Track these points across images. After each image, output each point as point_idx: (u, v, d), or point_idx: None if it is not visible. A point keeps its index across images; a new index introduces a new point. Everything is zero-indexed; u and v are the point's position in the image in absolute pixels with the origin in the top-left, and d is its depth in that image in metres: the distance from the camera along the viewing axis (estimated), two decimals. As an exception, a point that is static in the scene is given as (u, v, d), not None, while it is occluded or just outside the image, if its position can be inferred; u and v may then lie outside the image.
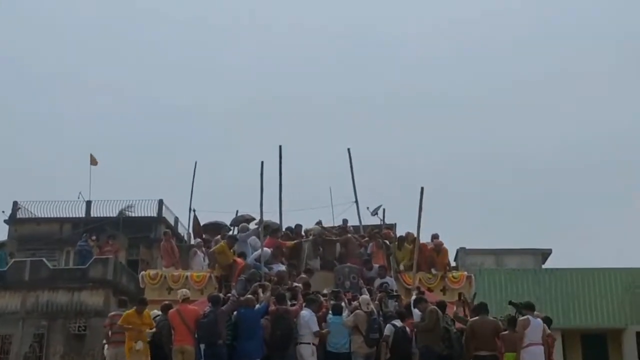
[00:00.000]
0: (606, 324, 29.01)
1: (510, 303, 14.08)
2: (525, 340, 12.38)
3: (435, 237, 17.13)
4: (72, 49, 63.77)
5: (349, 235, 17.37)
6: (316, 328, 12.67)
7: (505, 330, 12.65)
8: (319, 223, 18.23)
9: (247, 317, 12.62)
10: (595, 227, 52.61)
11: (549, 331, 13.30)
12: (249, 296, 13.06)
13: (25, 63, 60.44)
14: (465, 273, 17.40)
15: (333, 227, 18.54)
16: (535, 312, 13.37)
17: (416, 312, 13.06)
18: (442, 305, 13.18)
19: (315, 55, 65.48)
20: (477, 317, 12.86)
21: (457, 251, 30.87)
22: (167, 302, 13.25)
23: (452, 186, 54.21)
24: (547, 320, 13.52)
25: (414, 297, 13.78)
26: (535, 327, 12.50)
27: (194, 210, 20.26)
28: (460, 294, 15.74)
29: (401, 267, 16.79)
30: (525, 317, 12.64)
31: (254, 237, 16.37)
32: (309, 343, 12.62)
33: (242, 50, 64.34)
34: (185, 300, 12.88)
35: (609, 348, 29.43)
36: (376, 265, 16.10)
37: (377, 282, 15.58)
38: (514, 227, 51.72)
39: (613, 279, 29.45)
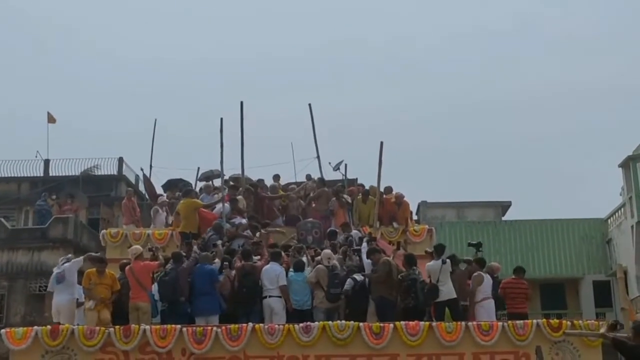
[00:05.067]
0: (564, 273, 29.66)
1: (469, 244, 14.40)
2: (479, 295, 12.68)
3: (388, 190, 17.11)
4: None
5: (325, 189, 17.27)
6: (284, 282, 12.61)
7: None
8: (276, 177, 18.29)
9: (199, 273, 12.54)
10: (554, 179, 53.51)
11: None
12: (207, 253, 13.04)
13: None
14: (427, 226, 17.46)
15: (307, 182, 18.55)
16: (494, 263, 13.74)
17: (367, 262, 13.09)
18: (410, 258, 13.16)
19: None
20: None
21: (419, 205, 31.13)
22: (124, 261, 13.14)
23: (413, 141, 54.55)
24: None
25: (364, 244, 13.74)
26: (488, 282, 12.80)
27: (142, 170, 20.12)
28: (398, 243, 15.70)
29: (370, 220, 16.67)
30: (477, 273, 12.87)
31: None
32: (279, 297, 12.56)
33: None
34: (139, 257, 12.72)
35: (567, 296, 30.14)
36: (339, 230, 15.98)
37: (342, 236, 15.56)
38: (474, 180, 52.41)
39: (570, 229, 30.02)
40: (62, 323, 11.90)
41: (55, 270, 12.75)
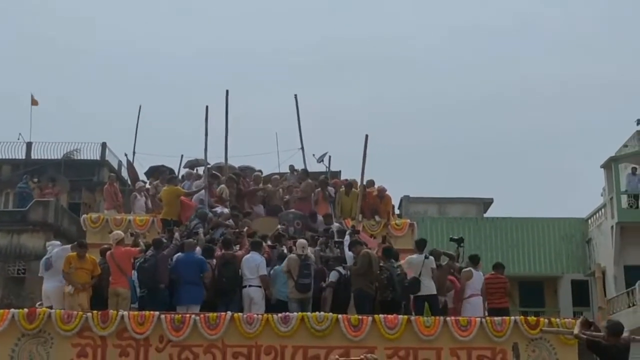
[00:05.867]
0: (543, 271, 29.80)
1: (451, 239, 14.47)
2: (467, 291, 12.69)
3: (370, 183, 17.12)
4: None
5: (309, 181, 17.27)
6: (264, 272, 12.53)
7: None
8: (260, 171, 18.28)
9: (184, 262, 12.46)
10: (537, 177, 53.84)
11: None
12: (190, 240, 12.95)
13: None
14: (408, 221, 17.47)
15: (294, 173, 18.54)
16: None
17: (349, 255, 13.09)
18: (388, 251, 13.15)
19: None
20: None
21: (401, 199, 31.15)
22: (105, 246, 13.07)
23: (398, 137, 54.64)
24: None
25: (347, 237, 13.75)
26: (477, 279, 12.78)
27: (126, 155, 20.00)
28: (384, 237, 15.71)
29: (352, 213, 16.68)
30: (468, 269, 12.87)
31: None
32: (259, 286, 12.48)
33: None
34: (120, 242, 12.67)
35: (545, 294, 30.30)
36: (320, 217, 16.03)
37: (321, 226, 15.58)
38: (457, 176, 52.60)
39: (551, 228, 30.15)
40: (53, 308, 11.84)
41: (44, 257, 12.73)
